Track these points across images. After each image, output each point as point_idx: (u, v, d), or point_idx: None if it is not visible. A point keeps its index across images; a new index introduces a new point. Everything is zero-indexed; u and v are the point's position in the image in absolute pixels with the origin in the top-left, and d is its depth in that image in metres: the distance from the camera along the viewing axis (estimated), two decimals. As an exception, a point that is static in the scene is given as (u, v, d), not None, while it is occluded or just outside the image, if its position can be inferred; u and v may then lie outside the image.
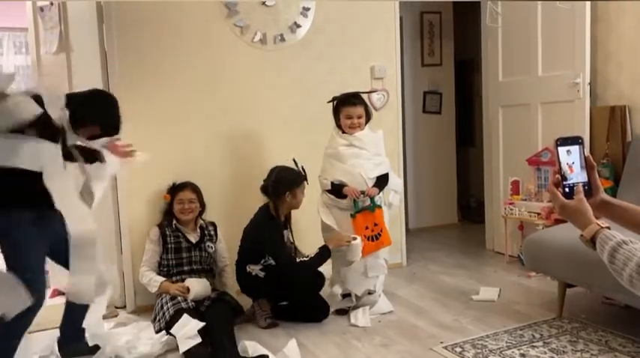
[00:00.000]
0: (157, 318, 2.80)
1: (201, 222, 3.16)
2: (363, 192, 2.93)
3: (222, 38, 3.42)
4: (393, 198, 3.22)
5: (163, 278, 2.96)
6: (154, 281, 2.95)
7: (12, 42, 6.00)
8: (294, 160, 3.02)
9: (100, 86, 3.21)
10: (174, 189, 3.13)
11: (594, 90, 3.60)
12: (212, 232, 3.17)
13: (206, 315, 2.75)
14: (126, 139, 3.18)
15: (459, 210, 5.57)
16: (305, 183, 2.98)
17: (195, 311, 2.74)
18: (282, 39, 3.56)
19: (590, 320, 2.83)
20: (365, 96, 3.19)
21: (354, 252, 2.87)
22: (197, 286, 2.84)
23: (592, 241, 1.25)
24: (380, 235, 2.98)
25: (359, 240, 2.89)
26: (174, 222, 3.07)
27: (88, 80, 3.33)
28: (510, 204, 3.89)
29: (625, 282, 1.18)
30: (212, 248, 3.12)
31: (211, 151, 3.43)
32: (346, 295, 3.11)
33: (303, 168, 3.01)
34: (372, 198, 2.96)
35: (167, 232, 3.04)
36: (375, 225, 2.97)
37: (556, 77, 3.69)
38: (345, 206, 3.00)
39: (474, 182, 5.83)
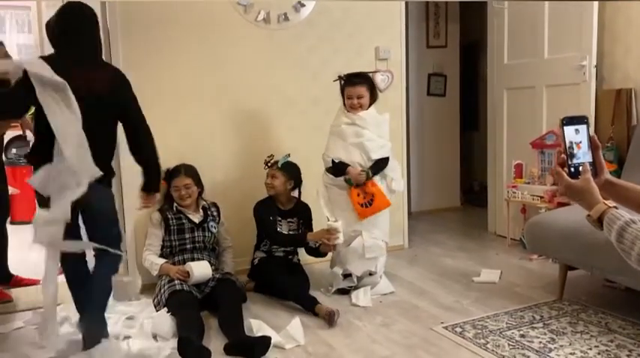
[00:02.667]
0: (156, 300, 2.83)
1: (204, 202, 3.16)
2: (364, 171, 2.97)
3: (225, 17, 3.39)
4: (396, 185, 3.15)
5: (164, 260, 2.97)
6: (154, 264, 2.95)
7: (15, 20, 5.97)
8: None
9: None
10: (169, 176, 3.08)
11: (600, 72, 3.57)
12: (215, 213, 3.17)
13: (214, 295, 2.79)
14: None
15: (462, 194, 5.57)
16: (270, 169, 3.19)
17: (192, 293, 2.77)
18: (286, 18, 3.53)
19: (590, 303, 2.84)
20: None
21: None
22: (197, 270, 2.81)
23: (599, 221, 1.24)
24: (373, 201, 2.99)
25: (340, 222, 2.96)
26: (175, 204, 3.07)
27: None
28: (513, 187, 3.89)
29: (633, 262, 1.18)
30: (215, 228, 3.13)
31: (214, 132, 3.42)
32: (347, 275, 3.13)
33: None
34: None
35: (169, 216, 3.03)
36: (367, 192, 2.99)
37: (562, 59, 3.66)
38: (345, 186, 3.01)
39: (477, 166, 5.82)
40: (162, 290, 2.78)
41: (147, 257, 3.01)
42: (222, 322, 2.60)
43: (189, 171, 3.09)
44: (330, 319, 2.66)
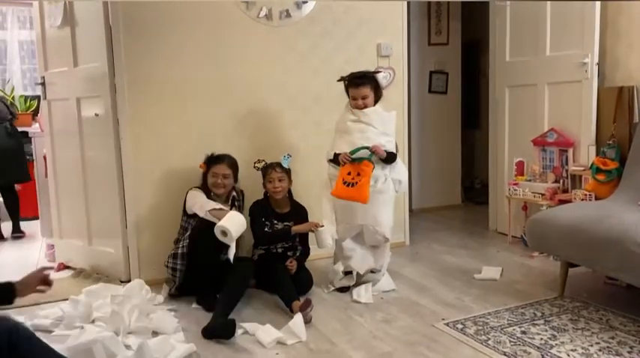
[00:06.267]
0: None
1: (234, 193, 3.15)
2: (368, 148, 2.88)
3: (227, 13, 3.39)
4: (399, 187, 3.11)
5: (216, 206, 2.86)
6: (208, 203, 2.88)
7: (16, 16, 5.95)
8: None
9: (104, 61, 3.21)
10: (211, 161, 3.05)
11: (602, 70, 3.57)
12: (241, 202, 3.19)
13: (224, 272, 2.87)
14: (128, 115, 3.22)
15: (463, 191, 5.58)
16: (270, 171, 3.13)
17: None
18: (288, 15, 3.52)
19: (591, 300, 2.84)
20: None
21: (320, 239, 2.95)
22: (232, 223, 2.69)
23: None
24: (356, 184, 2.85)
25: (326, 227, 2.94)
26: (212, 193, 3.03)
27: (92, 55, 3.32)
28: (514, 184, 3.89)
29: None
30: None
31: (216, 128, 3.42)
32: (348, 272, 3.13)
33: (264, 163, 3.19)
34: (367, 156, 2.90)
35: None
36: (358, 174, 2.87)
37: (564, 57, 3.66)
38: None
39: (478, 163, 5.83)
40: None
41: (201, 198, 2.94)
42: (220, 299, 2.71)
43: (231, 162, 3.08)
44: (304, 307, 2.64)
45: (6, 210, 4.70)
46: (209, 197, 3.00)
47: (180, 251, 2.96)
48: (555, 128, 3.74)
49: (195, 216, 2.95)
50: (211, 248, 2.83)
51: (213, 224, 2.72)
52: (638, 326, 2.51)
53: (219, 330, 2.51)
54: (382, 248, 3.09)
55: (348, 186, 2.88)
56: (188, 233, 2.97)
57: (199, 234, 2.86)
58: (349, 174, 2.90)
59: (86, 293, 2.86)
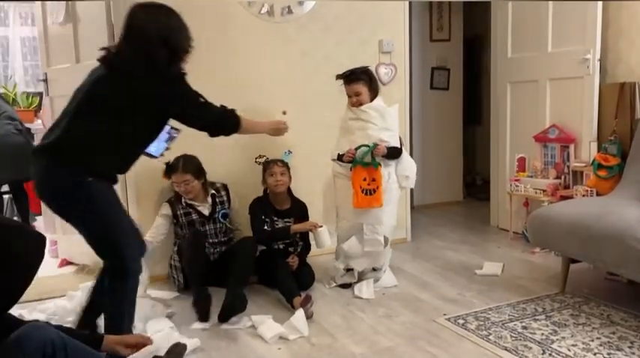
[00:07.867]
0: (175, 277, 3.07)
1: (212, 191, 3.16)
2: (372, 145, 2.90)
3: (228, 10, 3.39)
4: (406, 183, 3.11)
5: None
6: None
7: (17, 13, 5.95)
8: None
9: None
10: (168, 171, 3.07)
11: (604, 66, 3.56)
12: (224, 197, 3.19)
13: (233, 250, 3.00)
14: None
15: (464, 188, 5.58)
16: (272, 165, 3.17)
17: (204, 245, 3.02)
18: (290, 11, 3.53)
19: (592, 295, 2.85)
20: (373, 70, 3.14)
21: (319, 239, 2.98)
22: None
23: None
24: (375, 191, 2.90)
25: (325, 227, 2.97)
26: (183, 198, 3.08)
27: (94, 52, 3.32)
28: (516, 180, 3.89)
29: None
30: (225, 218, 3.15)
31: (218, 124, 3.42)
32: (349, 269, 3.13)
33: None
34: (373, 159, 2.91)
35: (178, 211, 3.05)
36: (373, 180, 2.90)
37: (566, 53, 3.66)
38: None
39: (480, 159, 5.82)
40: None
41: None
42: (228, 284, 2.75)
43: (187, 165, 3.05)
44: (304, 303, 2.65)
45: (12, 209, 4.70)
46: (181, 204, 3.09)
47: (173, 263, 3.07)
48: (557, 124, 3.74)
49: (183, 224, 3.08)
50: (199, 260, 2.90)
51: (200, 235, 3.01)
52: (639, 321, 2.52)
53: (234, 306, 2.60)
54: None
55: (366, 194, 2.90)
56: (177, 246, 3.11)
57: (186, 249, 2.93)
58: (365, 180, 2.91)
59: (83, 289, 2.87)
